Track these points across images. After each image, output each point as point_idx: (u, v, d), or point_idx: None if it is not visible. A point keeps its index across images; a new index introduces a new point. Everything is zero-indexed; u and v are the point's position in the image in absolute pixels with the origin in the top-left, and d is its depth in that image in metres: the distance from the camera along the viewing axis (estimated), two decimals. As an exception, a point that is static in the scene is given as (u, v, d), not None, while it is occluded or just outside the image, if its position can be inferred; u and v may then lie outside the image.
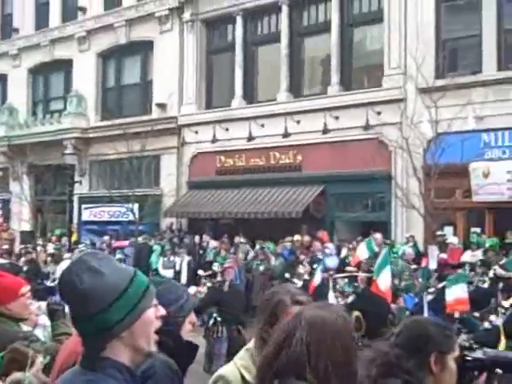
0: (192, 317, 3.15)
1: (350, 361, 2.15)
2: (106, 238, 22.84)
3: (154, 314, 2.24)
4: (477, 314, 12.08)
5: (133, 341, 2.18)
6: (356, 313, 6.90)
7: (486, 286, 13.68)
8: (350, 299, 11.38)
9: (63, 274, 2.17)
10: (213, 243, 20.08)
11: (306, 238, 18.46)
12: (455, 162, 16.25)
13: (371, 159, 17.83)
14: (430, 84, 16.70)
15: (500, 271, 13.82)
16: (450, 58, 17.78)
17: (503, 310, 11.05)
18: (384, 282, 11.05)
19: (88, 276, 2.12)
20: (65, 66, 27.41)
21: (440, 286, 13.16)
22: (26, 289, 4.72)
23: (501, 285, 12.64)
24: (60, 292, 2.22)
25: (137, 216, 22.58)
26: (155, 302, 2.27)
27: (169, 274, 19.58)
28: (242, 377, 2.81)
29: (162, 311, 2.29)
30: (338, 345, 2.13)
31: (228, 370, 2.89)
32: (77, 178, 25.33)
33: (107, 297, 2.11)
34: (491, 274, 13.90)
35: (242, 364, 2.89)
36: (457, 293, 11.32)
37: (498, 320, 10.62)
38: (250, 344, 2.96)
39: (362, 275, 14.66)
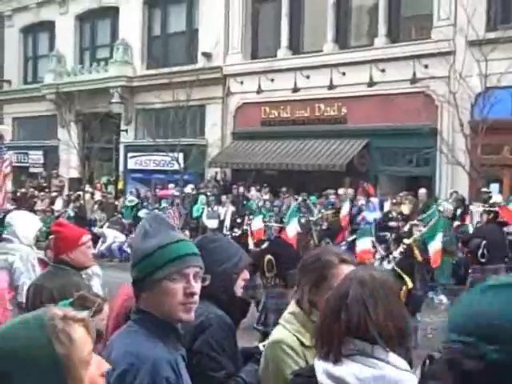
0: (245, 273, 3.24)
1: (402, 313, 2.24)
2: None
3: (181, 286, 2.37)
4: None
5: (156, 303, 2.38)
6: (268, 256, 7.74)
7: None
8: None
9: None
10: (256, 194, 20.19)
11: (350, 191, 18.39)
12: (504, 117, 15.93)
13: (417, 113, 17.51)
14: (481, 37, 16.23)
15: None
16: (502, 9, 17.17)
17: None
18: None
19: (139, 234, 2.50)
20: (111, 13, 27.32)
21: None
22: (86, 238, 4.93)
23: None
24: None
25: (182, 165, 22.78)
26: (192, 275, 2.40)
27: (212, 224, 19.85)
28: (300, 342, 2.81)
29: (196, 289, 2.41)
30: (391, 297, 2.23)
31: (285, 334, 2.87)
32: (123, 127, 25.57)
33: (140, 254, 2.44)
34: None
35: (293, 328, 2.87)
36: (363, 245, 12.09)
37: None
38: (293, 307, 2.97)
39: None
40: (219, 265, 3.00)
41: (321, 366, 2.22)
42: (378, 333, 2.16)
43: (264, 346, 3.19)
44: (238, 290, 3.18)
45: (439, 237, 11.60)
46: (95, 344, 3.53)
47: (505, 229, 12.94)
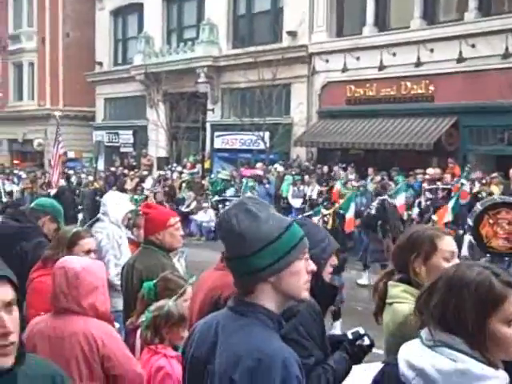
0: (333, 259, 3.25)
1: (465, 320, 2.11)
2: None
3: (304, 266, 2.32)
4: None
5: (281, 288, 2.26)
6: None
7: None
8: None
9: (222, 215, 2.32)
10: (342, 174, 20.01)
11: (438, 171, 17.96)
12: None
13: (509, 90, 16.86)
14: None
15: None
16: None
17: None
18: None
19: (246, 218, 2.23)
20: (197, -7, 27.59)
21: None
22: (174, 220, 5.00)
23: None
24: (219, 232, 2.35)
25: (267, 145, 22.83)
26: (307, 255, 2.35)
27: (297, 203, 19.87)
28: None
29: (313, 266, 2.37)
30: (469, 303, 2.10)
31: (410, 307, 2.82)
32: (209, 106, 25.79)
33: (261, 240, 2.21)
34: None
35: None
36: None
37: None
38: (399, 286, 3.03)
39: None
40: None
41: (403, 356, 2.20)
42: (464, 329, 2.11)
43: (353, 333, 3.24)
44: (326, 275, 3.19)
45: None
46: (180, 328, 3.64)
47: None
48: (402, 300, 2.92)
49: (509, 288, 2.10)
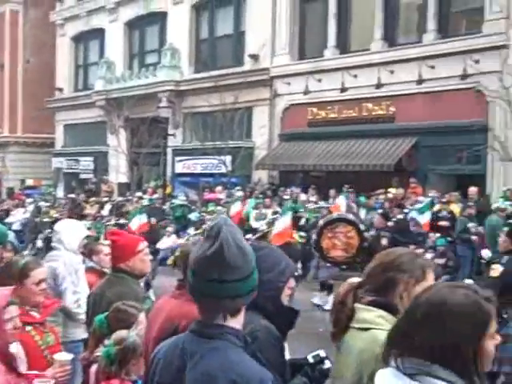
0: (291, 282, 3.12)
1: (459, 346, 2.06)
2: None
3: None
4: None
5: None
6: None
7: None
8: None
9: (215, 238, 2.29)
10: (303, 196, 19.94)
11: (400, 191, 18.01)
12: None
13: (467, 110, 17.12)
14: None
15: None
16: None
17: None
18: None
19: (236, 246, 2.27)
20: (160, 18, 27.63)
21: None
22: (143, 245, 4.88)
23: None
24: (208, 255, 2.28)
25: (229, 168, 22.71)
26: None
27: (260, 226, 19.66)
28: None
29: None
30: (450, 327, 2.07)
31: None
32: (171, 131, 25.65)
33: (249, 267, 2.30)
34: None
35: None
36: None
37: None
38: (376, 311, 2.84)
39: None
40: (265, 274, 2.84)
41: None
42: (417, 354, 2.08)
43: (314, 356, 3.14)
44: (285, 298, 3.08)
45: None
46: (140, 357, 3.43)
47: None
48: (381, 327, 2.74)
49: (490, 304, 2.13)
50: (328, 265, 13.31)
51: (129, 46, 29.55)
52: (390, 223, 14.79)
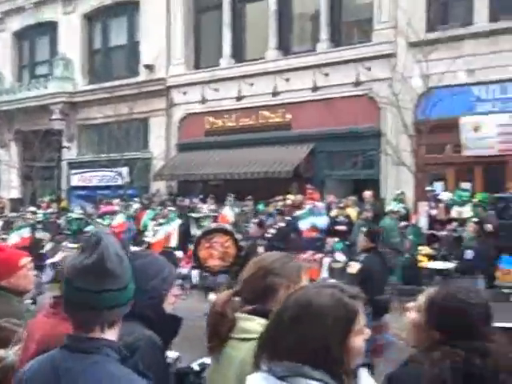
0: (175, 289, 3.05)
1: (329, 346, 2.07)
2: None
3: None
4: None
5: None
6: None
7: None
8: None
9: (95, 248, 2.21)
10: (203, 206, 19.84)
11: (299, 198, 18.22)
12: (446, 116, 16.03)
13: (361, 116, 17.60)
14: (421, 38, 16.39)
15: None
16: (441, 10, 17.41)
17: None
18: None
19: (115, 257, 2.20)
20: (50, 28, 26.92)
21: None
22: (26, 260, 4.57)
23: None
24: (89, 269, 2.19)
25: (127, 180, 22.35)
26: None
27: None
28: None
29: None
30: (318, 328, 2.08)
31: None
32: (65, 144, 25.01)
33: (127, 277, 2.23)
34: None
35: None
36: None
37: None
38: (255, 319, 2.81)
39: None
40: (149, 281, 2.82)
41: None
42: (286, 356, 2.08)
43: (199, 364, 3.11)
44: (168, 306, 2.99)
45: None
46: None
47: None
48: None
49: (356, 300, 2.16)
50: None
51: (18, 57, 28.61)
52: (272, 230, 15.32)
